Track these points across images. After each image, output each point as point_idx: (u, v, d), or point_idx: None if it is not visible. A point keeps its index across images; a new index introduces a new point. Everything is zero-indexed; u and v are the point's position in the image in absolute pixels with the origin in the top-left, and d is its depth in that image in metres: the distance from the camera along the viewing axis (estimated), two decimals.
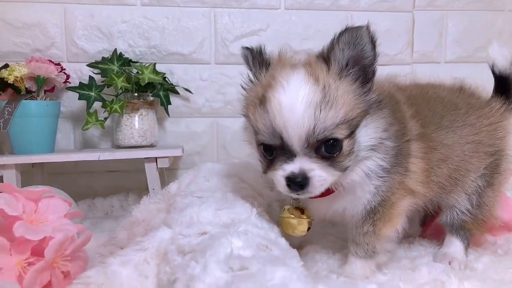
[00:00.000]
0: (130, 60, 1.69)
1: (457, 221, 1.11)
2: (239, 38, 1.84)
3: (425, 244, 1.18)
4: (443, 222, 1.14)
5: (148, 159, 1.51)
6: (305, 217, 0.98)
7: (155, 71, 1.65)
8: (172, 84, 1.77)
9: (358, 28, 0.82)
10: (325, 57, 0.86)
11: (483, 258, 1.03)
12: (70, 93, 1.69)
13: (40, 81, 1.54)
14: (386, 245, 0.99)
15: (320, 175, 0.82)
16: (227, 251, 0.69)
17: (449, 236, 1.14)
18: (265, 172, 0.90)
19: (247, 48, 0.95)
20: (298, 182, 0.81)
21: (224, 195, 0.99)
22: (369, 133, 0.87)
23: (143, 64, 1.65)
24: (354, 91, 0.85)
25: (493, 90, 1.21)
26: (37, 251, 0.85)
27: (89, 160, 1.48)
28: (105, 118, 1.63)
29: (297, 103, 0.79)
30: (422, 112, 1.05)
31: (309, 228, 0.99)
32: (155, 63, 1.68)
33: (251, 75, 0.95)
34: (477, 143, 1.09)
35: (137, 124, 1.64)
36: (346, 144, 0.83)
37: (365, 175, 0.90)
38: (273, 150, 0.85)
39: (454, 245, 1.11)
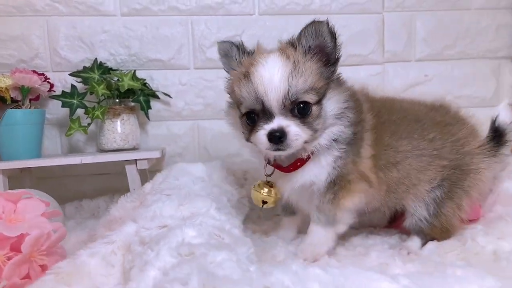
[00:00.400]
0: (110, 68, 1.77)
1: (416, 226, 1.21)
2: (215, 44, 1.92)
3: (383, 234, 1.27)
4: (406, 226, 1.23)
5: (128, 162, 1.60)
6: (273, 193, 1.17)
7: (134, 78, 1.73)
8: (152, 89, 1.86)
9: (320, 22, 1.04)
10: (294, 43, 1.06)
11: (429, 245, 1.12)
12: (55, 101, 1.78)
13: (25, 91, 1.63)
14: (346, 216, 1.12)
15: (295, 129, 1.00)
16: (179, 239, 0.77)
17: (412, 233, 1.23)
18: (248, 138, 1.08)
19: (229, 41, 1.16)
20: (277, 136, 0.99)
21: (189, 192, 1.07)
22: (333, 104, 1.06)
23: (123, 71, 1.74)
24: (318, 68, 1.05)
25: (488, 131, 1.33)
26: (16, 247, 0.94)
27: (74, 164, 1.57)
28: (88, 124, 1.71)
29: (274, 73, 1.00)
30: (382, 117, 1.19)
31: (274, 204, 1.18)
32: (134, 70, 1.76)
33: (234, 61, 1.14)
34: (434, 156, 1.19)
35: (119, 128, 1.73)
36: (315, 109, 1.03)
37: (331, 140, 1.08)
38: (255, 116, 1.04)
39: (413, 241, 1.21)
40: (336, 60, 1.08)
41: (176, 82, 1.93)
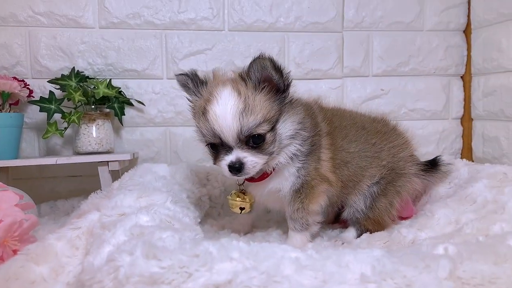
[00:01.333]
0: (87, 77, 1.91)
1: (353, 217, 1.37)
2: (187, 56, 2.08)
3: (327, 228, 1.42)
4: (344, 216, 1.40)
5: (101, 163, 1.73)
6: (247, 199, 1.33)
7: (110, 86, 1.87)
8: (127, 97, 1.99)
9: (264, 59, 1.14)
10: (244, 77, 1.17)
11: (363, 236, 1.27)
12: (34, 106, 1.90)
13: (5, 96, 1.75)
14: (315, 218, 1.29)
15: (252, 159, 1.14)
16: (133, 222, 0.91)
17: (350, 225, 1.39)
18: (214, 163, 1.22)
19: (185, 74, 1.27)
20: (236, 167, 1.13)
21: (149, 187, 1.21)
22: (287, 126, 1.19)
23: (99, 80, 1.87)
24: (269, 98, 1.16)
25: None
26: None
27: (50, 165, 1.69)
28: (65, 128, 1.83)
29: (227, 113, 1.12)
30: (334, 123, 1.36)
31: (250, 209, 1.34)
32: (110, 79, 1.90)
33: (193, 93, 1.25)
34: (375, 157, 1.37)
35: (94, 133, 1.85)
36: (268, 136, 1.16)
37: (289, 157, 1.22)
38: (217, 147, 1.18)
39: (350, 231, 1.37)
40: (286, 87, 1.20)
41: (150, 91, 2.07)
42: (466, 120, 2.26)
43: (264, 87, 1.16)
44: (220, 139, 1.14)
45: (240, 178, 1.26)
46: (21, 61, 1.96)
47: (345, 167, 1.33)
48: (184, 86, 1.28)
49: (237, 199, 1.33)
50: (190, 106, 1.30)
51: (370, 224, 1.35)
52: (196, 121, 1.23)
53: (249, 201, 1.33)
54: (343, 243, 1.27)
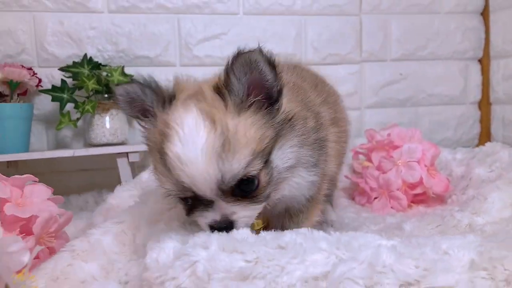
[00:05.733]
0: (100, 64, 1.80)
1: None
2: (202, 42, 1.99)
3: None
4: None
5: (120, 154, 1.63)
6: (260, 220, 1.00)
7: (123, 73, 1.77)
8: None
9: (250, 51, 0.76)
10: (222, 89, 0.78)
11: (413, 219, 1.23)
12: (42, 96, 1.79)
13: (13, 85, 1.63)
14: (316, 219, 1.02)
15: (244, 215, 0.78)
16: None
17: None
18: (188, 215, 0.83)
19: (137, 82, 0.85)
20: (223, 227, 0.77)
21: None
22: (285, 155, 0.82)
23: (112, 67, 1.77)
24: (258, 121, 0.78)
25: None
26: (26, 229, 0.96)
27: (62, 159, 1.59)
28: (78, 119, 1.73)
29: (197, 157, 0.73)
30: (327, 98, 1.10)
31: (265, 226, 1.02)
32: (123, 66, 1.80)
33: (148, 111, 0.84)
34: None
35: (108, 123, 1.75)
36: (263, 175, 0.78)
37: (295, 188, 0.88)
38: (189, 199, 0.80)
39: (330, 212, 1.31)
40: (278, 94, 0.81)
41: (163, 79, 1.94)
42: (485, 104, 2.22)
43: (253, 102, 0.79)
44: (193, 192, 0.76)
45: None
46: (26, 48, 1.84)
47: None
48: (130, 102, 0.85)
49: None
50: (142, 136, 0.89)
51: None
52: (152, 163, 0.84)
53: (262, 221, 1.01)
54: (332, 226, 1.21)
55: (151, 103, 0.82)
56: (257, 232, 0.89)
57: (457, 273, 0.62)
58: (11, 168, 1.74)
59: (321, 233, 0.72)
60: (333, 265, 0.62)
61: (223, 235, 0.70)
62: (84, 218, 1.39)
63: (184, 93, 0.83)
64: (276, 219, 0.97)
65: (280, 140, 0.81)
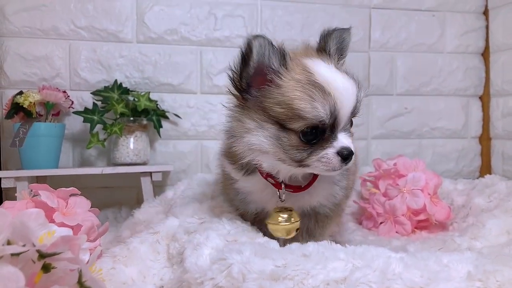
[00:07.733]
0: (128, 89, 1.95)
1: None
2: (221, 72, 2.14)
3: None
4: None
5: (144, 174, 1.75)
6: (293, 219, 1.00)
7: (149, 99, 1.91)
8: (163, 110, 2.04)
9: (338, 29, 1.08)
10: (327, 51, 1.07)
11: (417, 242, 1.33)
12: (71, 117, 1.93)
13: (49, 106, 1.77)
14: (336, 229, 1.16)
15: (353, 147, 0.94)
16: (220, 227, 0.95)
17: None
18: (302, 161, 0.91)
19: (262, 37, 0.94)
20: (346, 155, 0.91)
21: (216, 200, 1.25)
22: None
23: (140, 92, 1.92)
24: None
25: None
26: None
27: (86, 176, 1.72)
28: (105, 139, 1.87)
29: (349, 86, 0.94)
30: None
31: (297, 229, 1.02)
32: (149, 92, 1.94)
33: (272, 65, 0.95)
34: None
35: (132, 144, 1.88)
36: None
37: (330, 193, 1.07)
38: (318, 134, 0.91)
39: None
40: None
41: (184, 105, 2.12)
42: (485, 139, 2.35)
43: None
44: (335, 118, 0.90)
45: (282, 191, 0.99)
46: (61, 73, 1.99)
47: None
48: (262, 55, 0.95)
49: (280, 218, 0.98)
50: (275, 81, 0.95)
51: None
52: (281, 101, 0.91)
53: (295, 219, 1.01)
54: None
55: (274, 57, 0.95)
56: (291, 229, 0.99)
57: (456, 282, 0.72)
58: (40, 183, 1.86)
59: (339, 245, 0.84)
60: (350, 271, 0.73)
61: (254, 244, 0.81)
62: (110, 232, 1.50)
63: (297, 55, 1.02)
64: (302, 222, 1.06)
65: None
